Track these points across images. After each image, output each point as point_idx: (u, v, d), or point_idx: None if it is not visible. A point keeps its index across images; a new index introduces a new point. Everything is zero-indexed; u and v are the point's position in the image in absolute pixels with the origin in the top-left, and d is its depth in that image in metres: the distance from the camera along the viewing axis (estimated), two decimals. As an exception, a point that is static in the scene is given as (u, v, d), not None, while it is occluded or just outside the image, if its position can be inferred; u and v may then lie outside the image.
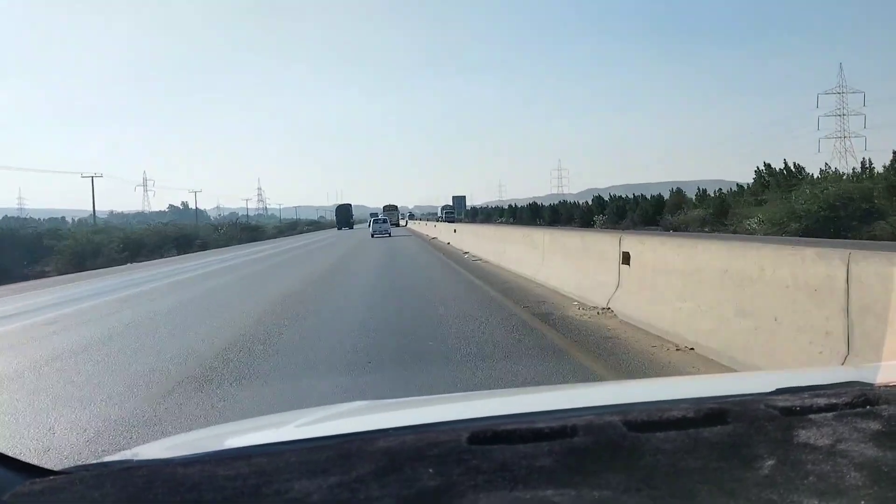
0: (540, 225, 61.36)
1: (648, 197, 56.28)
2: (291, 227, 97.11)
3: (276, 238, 63.62)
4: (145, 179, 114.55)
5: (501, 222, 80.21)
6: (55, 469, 0.96)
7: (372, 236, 46.52)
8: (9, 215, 67.39)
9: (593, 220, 56.88)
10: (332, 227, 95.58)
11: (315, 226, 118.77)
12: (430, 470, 0.87)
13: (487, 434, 0.97)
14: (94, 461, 1.04)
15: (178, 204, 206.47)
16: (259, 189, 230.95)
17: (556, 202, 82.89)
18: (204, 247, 42.97)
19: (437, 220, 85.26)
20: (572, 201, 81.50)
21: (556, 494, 0.80)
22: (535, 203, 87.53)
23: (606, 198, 63.50)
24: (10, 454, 0.97)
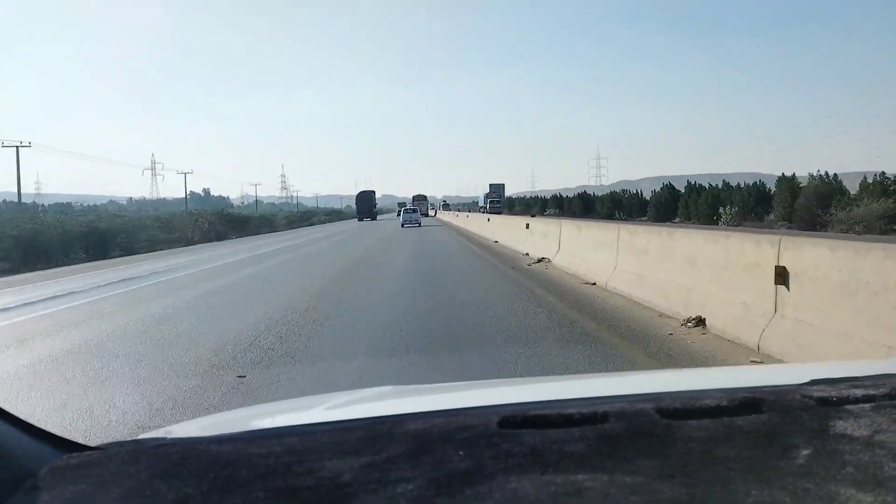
0: (612, 219, 48.37)
1: (681, 188, 47.50)
2: (305, 217, 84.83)
3: (273, 233, 50.13)
4: (153, 163, 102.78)
5: (551, 214, 68.04)
6: (90, 444, 0.98)
7: (402, 226, 47.19)
8: (24, 200, 58.15)
9: (687, 213, 44.10)
10: (354, 218, 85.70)
11: (336, 216, 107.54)
12: (461, 452, 0.87)
13: (518, 419, 0.97)
14: (129, 438, 1.05)
15: (199, 191, 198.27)
16: (283, 176, 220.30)
17: (602, 193, 71.47)
18: (129, 250, 28.04)
19: (481, 210, 74.80)
20: (619, 190, 66.25)
21: (587, 479, 0.79)
22: (585, 193, 73.43)
23: (634, 190, 56.63)
24: (49, 430, 0.98)
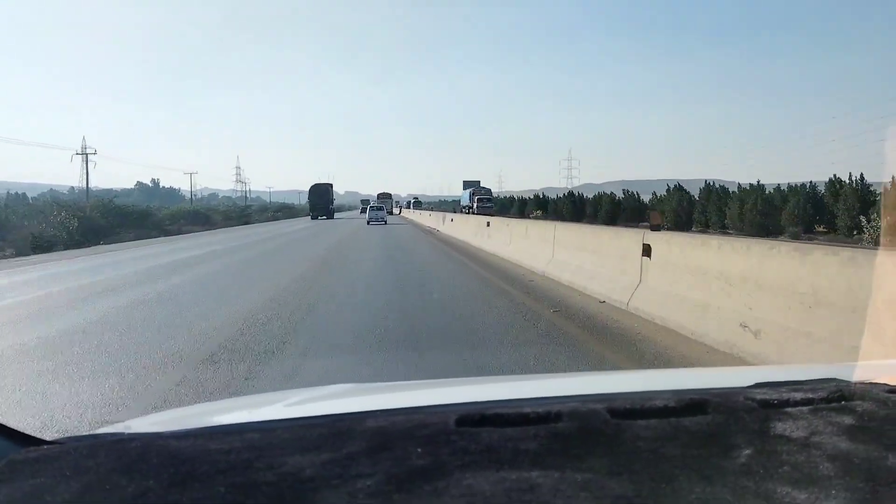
0: (615, 224, 39.38)
1: (651, 193, 45.74)
2: (244, 213, 73.26)
3: (188, 234, 36.31)
4: (84, 147, 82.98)
5: (537, 217, 56.64)
6: (48, 439, 0.98)
7: (368, 223, 46.41)
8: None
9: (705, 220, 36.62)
10: (307, 215, 70.81)
11: (287, 212, 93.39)
12: (419, 450, 0.88)
13: (475, 417, 0.99)
14: (86, 433, 1.05)
15: (147, 181, 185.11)
16: (237, 168, 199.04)
17: (576, 194, 62.75)
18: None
19: (464, 211, 62.21)
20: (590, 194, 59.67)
21: (540, 476, 0.82)
22: (574, 193, 62.83)
23: (606, 193, 51.22)
24: (8, 424, 0.98)
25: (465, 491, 0.79)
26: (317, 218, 64.18)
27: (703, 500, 0.78)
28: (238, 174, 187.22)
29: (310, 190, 70.93)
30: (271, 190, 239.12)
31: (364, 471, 0.83)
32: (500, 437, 0.92)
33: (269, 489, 0.79)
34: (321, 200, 68.48)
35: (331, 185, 73.52)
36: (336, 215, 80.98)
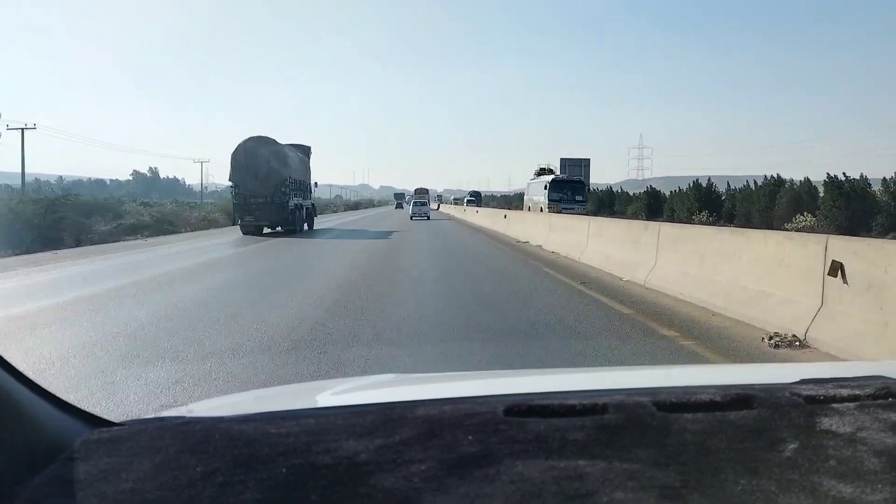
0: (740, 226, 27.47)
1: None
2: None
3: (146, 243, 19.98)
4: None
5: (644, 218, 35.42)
6: (115, 421, 1.02)
7: (411, 218, 43.13)
8: None
9: None
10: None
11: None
12: (470, 437, 0.91)
13: (522, 407, 1.01)
14: (151, 416, 1.09)
15: (144, 171, 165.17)
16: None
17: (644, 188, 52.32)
18: None
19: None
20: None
21: (588, 465, 0.83)
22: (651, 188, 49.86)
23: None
24: (77, 405, 0.99)
25: (516, 478, 0.81)
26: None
27: (748, 491, 0.80)
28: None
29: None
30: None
31: (416, 456, 0.86)
32: (548, 427, 0.94)
33: (328, 471, 0.83)
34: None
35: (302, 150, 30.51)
36: (350, 216, 56.41)
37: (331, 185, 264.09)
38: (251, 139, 25.23)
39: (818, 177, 34.39)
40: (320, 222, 36.19)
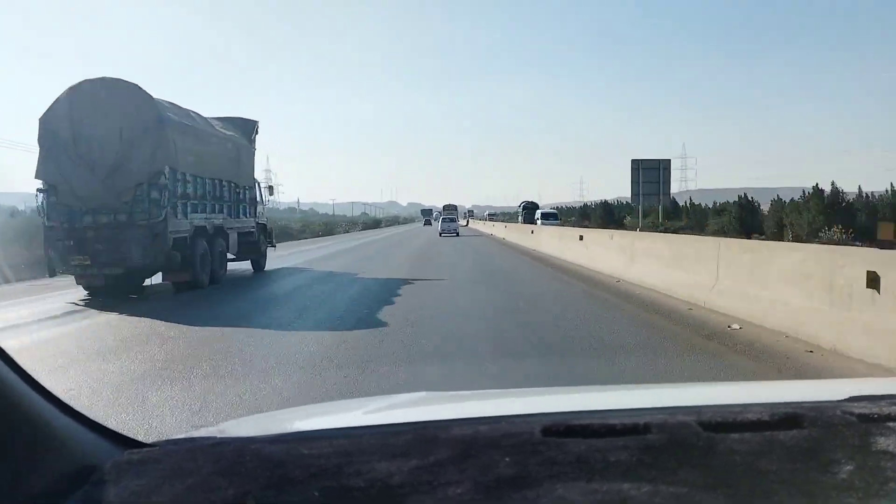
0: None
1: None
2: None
3: None
4: None
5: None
6: (146, 441, 1.00)
7: (440, 235, 41.29)
8: None
9: None
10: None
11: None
12: (507, 459, 0.87)
13: (561, 428, 0.97)
14: (182, 436, 1.06)
15: None
16: (267, 171, 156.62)
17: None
18: None
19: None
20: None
21: (632, 488, 0.80)
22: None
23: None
24: (109, 426, 1.00)
25: (556, 501, 0.78)
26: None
27: None
28: (267, 177, 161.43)
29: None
30: (337, 202, 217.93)
31: (452, 478, 0.83)
32: (588, 447, 0.91)
33: (360, 495, 0.81)
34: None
35: (234, 126, 16.00)
36: (356, 239, 42.62)
37: (353, 202, 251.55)
38: (88, 81, 11.85)
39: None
40: (297, 253, 24.84)
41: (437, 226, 49.77)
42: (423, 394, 1.48)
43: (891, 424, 0.98)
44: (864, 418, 1.00)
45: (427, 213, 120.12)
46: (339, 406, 1.71)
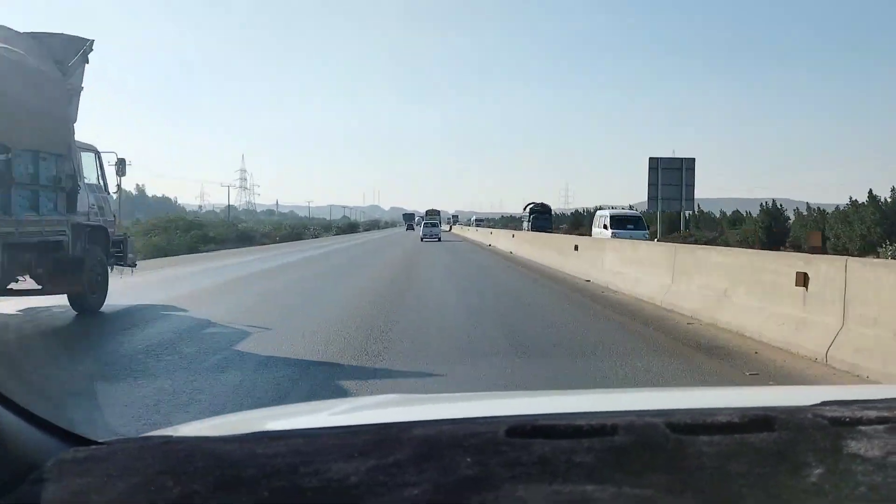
0: None
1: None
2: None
3: None
4: None
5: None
6: (96, 440, 0.97)
7: (422, 240, 41.42)
8: None
9: None
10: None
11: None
12: (469, 459, 0.86)
13: (526, 428, 0.96)
14: (134, 436, 1.05)
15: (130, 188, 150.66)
16: (242, 171, 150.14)
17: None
18: None
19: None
20: None
21: (596, 490, 0.78)
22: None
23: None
24: (58, 424, 0.96)
25: (516, 503, 0.77)
26: None
27: None
28: (242, 178, 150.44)
29: None
30: (314, 205, 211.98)
31: (410, 479, 0.81)
32: (553, 448, 0.89)
33: (314, 495, 0.79)
34: None
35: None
36: (316, 248, 35.02)
37: (331, 205, 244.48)
38: None
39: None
40: (202, 272, 17.81)
41: (419, 230, 49.30)
42: (391, 396, 1.49)
43: (862, 428, 0.98)
44: (836, 422, 1.00)
45: (409, 217, 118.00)
46: (304, 408, 1.67)
